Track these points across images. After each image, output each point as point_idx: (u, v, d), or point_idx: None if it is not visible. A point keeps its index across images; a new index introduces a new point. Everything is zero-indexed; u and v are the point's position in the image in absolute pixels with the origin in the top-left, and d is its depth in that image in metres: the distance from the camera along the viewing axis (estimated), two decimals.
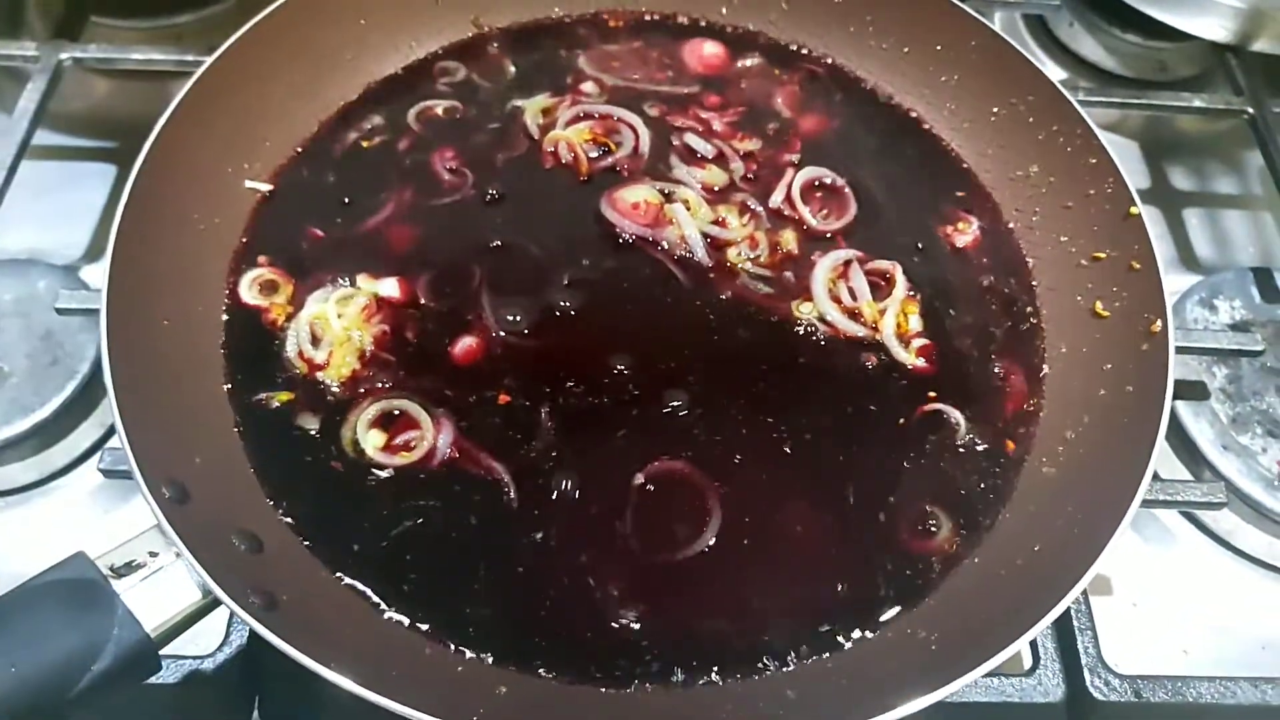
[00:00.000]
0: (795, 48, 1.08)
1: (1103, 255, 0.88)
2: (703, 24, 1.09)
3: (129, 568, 0.63)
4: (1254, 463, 0.93)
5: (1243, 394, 0.98)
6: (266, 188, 0.92)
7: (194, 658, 0.76)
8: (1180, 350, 0.93)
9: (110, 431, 0.94)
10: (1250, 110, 1.14)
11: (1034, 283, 0.92)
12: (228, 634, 0.78)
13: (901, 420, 0.84)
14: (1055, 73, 1.33)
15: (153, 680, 0.67)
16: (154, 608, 0.62)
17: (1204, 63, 1.28)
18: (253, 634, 0.63)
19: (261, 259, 0.88)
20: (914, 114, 1.03)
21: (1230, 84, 1.19)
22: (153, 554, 0.64)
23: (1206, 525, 0.96)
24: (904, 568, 0.76)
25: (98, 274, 1.04)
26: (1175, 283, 1.08)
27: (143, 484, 0.65)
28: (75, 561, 0.63)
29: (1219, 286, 1.05)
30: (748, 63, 1.07)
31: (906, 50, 1.03)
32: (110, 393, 0.69)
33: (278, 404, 0.80)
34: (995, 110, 0.98)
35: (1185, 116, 1.26)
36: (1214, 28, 1.16)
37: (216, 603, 0.63)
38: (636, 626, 0.72)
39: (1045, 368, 0.87)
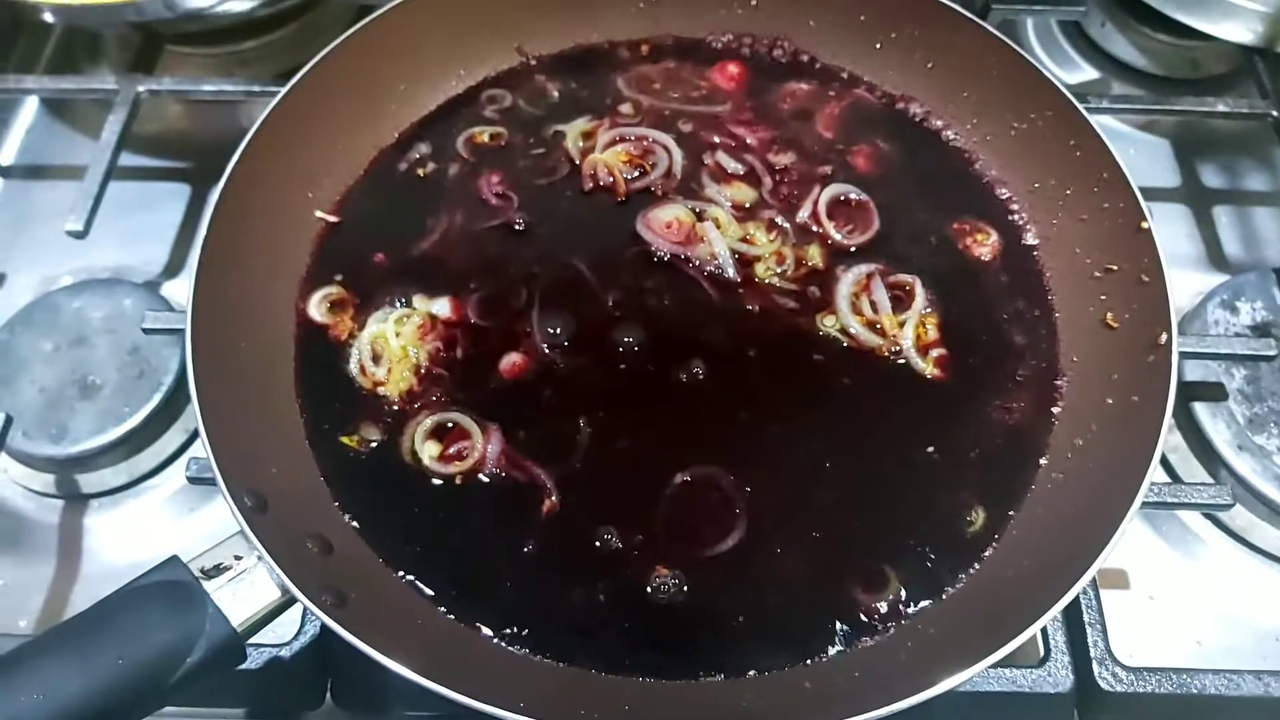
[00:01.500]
0: (823, 64, 1.12)
1: (1115, 268, 0.92)
2: (733, 44, 1.13)
3: (217, 569, 0.71)
4: (1269, 462, 0.96)
5: (1260, 395, 1.00)
6: (333, 219, 0.99)
7: (273, 646, 0.84)
8: (1194, 356, 0.97)
9: (192, 437, 1.02)
10: (1275, 113, 1.15)
11: (1049, 294, 0.96)
12: (302, 625, 0.86)
13: (917, 426, 0.89)
14: (1089, 72, 1.36)
15: (239, 667, 0.75)
16: (239, 605, 0.70)
17: (1237, 61, 1.29)
18: (324, 625, 0.70)
19: (327, 281, 0.96)
20: (939, 128, 1.07)
21: (1257, 86, 1.20)
22: (238, 557, 0.72)
23: (1223, 522, 0.99)
24: (915, 569, 0.82)
25: (178, 290, 1.13)
26: (1203, 281, 1.12)
27: (227, 495, 0.73)
28: (170, 564, 0.71)
29: (1241, 288, 1.08)
30: (778, 80, 1.11)
31: (931, 66, 1.07)
32: (197, 414, 0.77)
33: (346, 426, 0.88)
34: (1015, 125, 1.02)
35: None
36: (1239, 31, 1.18)
37: (294, 600, 0.71)
38: (667, 622, 0.79)
39: (1058, 377, 0.91)
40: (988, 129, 1.05)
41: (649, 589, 0.80)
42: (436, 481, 0.85)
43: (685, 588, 0.80)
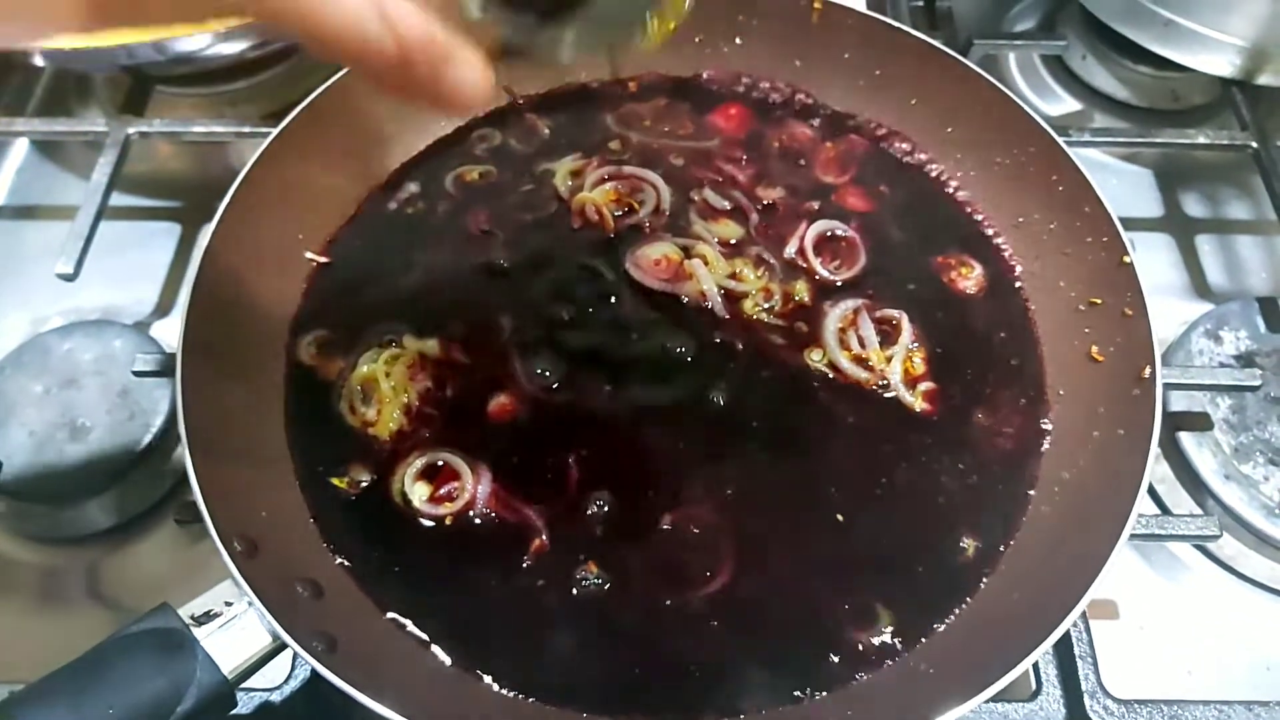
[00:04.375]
0: (810, 101, 1.13)
1: (1099, 301, 0.93)
2: (722, 81, 1.15)
3: (207, 616, 0.71)
4: (1256, 491, 0.97)
5: (1246, 424, 1.01)
6: (324, 259, 1.00)
7: (264, 690, 0.84)
8: (1178, 387, 0.98)
9: (182, 479, 1.01)
10: (1254, 144, 1.17)
11: (1035, 327, 0.97)
12: (293, 668, 0.85)
13: (906, 461, 0.89)
14: (1071, 104, 1.38)
15: (229, 713, 0.75)
16: (230, 652, 0.70)
17: (1216, 92, 1.31)
18: (315, 670, 0.69)
19: (317, 322, 0.96)
20: (923, 164, 1.08)
21: (1236, 117, 1.22)
22: (228, 603, 0.72)
23: (1211, 551, 1.00)
24: (907, 605, 0.82)
25: (168, 330, 1.13)
26: (1187, 311, 1.13)
27: (218, 541, 0.73)
28: (161, 612, 0.71)
29: (1225, 317, 1.09)
30: (767, 116, 1.13)
31: (914, 103, 1.08)
32: (187, 458, 0.77)
33: (336, 467, 0.88)
34: (999, 160, 1.03)
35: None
36: (1218, 63, 1.20)
37: (284, 646, 0.71)
38: (661, 663, 0.79)
39: (1045, 411, 0.92)
40: (971, 164, 1.06)
41: (643, 630, 0.80)
42: (427, 523, 0.85)
43: (679, 628, 0.80)
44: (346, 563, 0.83)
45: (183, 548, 1.00)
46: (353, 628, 0.77)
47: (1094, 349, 0.92)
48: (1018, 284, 1.00)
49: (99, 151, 1.15)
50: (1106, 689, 0.84)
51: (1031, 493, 0.87)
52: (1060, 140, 0.98)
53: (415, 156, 1.08)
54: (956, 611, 0.82)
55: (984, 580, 0.83)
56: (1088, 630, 0.86)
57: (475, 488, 0.86)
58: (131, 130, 1.16)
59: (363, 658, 0.74)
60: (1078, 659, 0.85)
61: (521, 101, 1.13)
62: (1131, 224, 1.22)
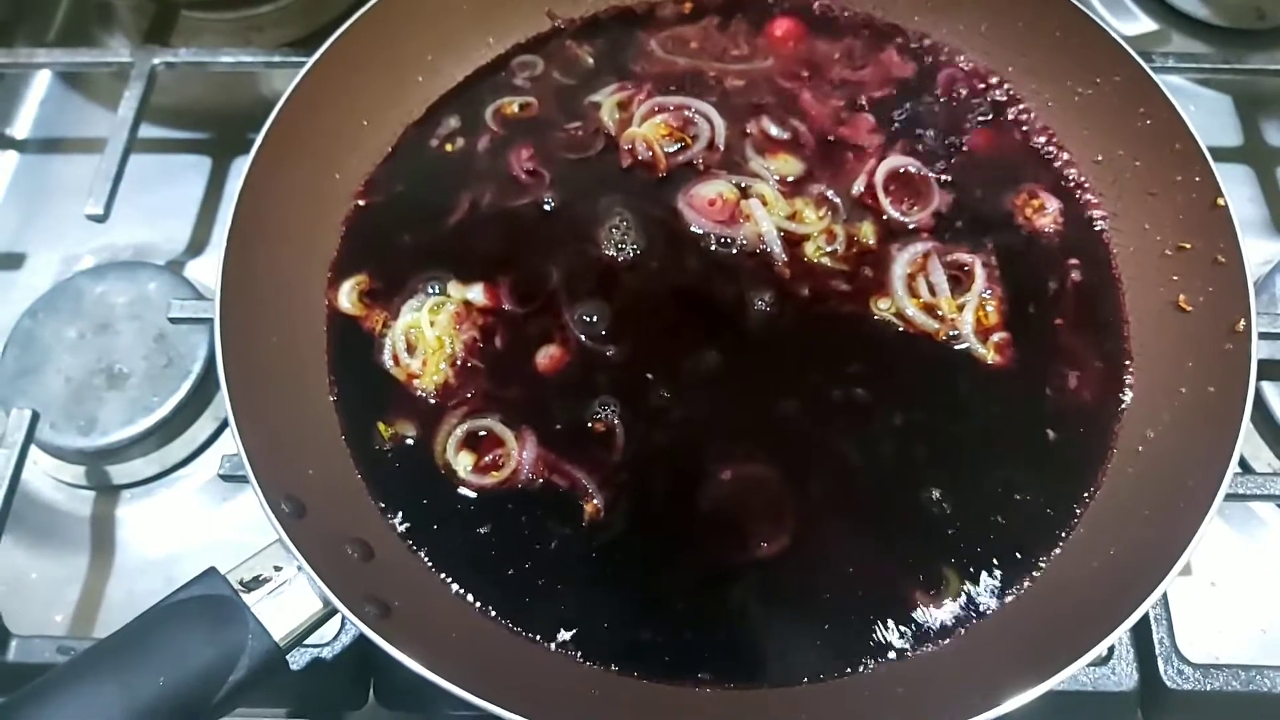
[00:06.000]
0: (877, 24, 1.06)
1: (1188, 246, 0.87)
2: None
3: (256, 582, 0.69)
4: None
5: None
6: (361, 201, 0.95)
7: (315, 647, 0.83)
8: (1265, 336, 0.92)
9: (223, 426, 1.00)
10: None
11: (1117, 273, 0.91)
12: (343, 624, 0.84)
13: (976, 417, 0.85)
14: (1146, 23, 1.29)
15: None
16: (281, 618, 0.68)
17: None
18: None
19: (357, 268, 0.92)
20: (999, 95, 1.01)
21: None
22: (277, 568, 0.70)
23: None
24: (978, 570, 0.78)
25: (201, 270, 1.10)
26: (1267, 249, 1.07)
27: (264, 502, 0.70)
28: (209, 577, 0.69)
29: None
30: (828, 38, 1.06)
31: (985, 28, 1.01)
32: (231, 418, 0.74)
33: (381, 419, 0.85)
34: (1080, 91, 0.96)
35: None
36: None
37: (336, 611, 0.68)
38: (719, 628, 0.76)
39: (1128, 364, 0.87)
40: (1049, 95, 0.99)
41: (700, 596, 0.78)
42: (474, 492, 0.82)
43: (738, 593, 0.78)
44: (397, 521, 0.80)
45: (227, 495, 0.98)
46: (405, 591, 0.74)
47: (1182, 298, 0.86)
48: (1099, 227, 0.94)
49: (125, 83, 1.10)
50: (1182, 653, 0.81)
51: (1112, 451, 0.83)
52: (1148, 68, 0.90)
53: (454, 89, 1.02)
54: (1029, 579, 0.78)
55: (1059, 546, 0.79)
56: (1163, 593, 0.83)
57: (521, 454, 0.82)
58: (157, 61, 1.12)
59: (416, 622, 0.72)
60: (1153, 622, 0.82)
61: (562, 26, 1.06)
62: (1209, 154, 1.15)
